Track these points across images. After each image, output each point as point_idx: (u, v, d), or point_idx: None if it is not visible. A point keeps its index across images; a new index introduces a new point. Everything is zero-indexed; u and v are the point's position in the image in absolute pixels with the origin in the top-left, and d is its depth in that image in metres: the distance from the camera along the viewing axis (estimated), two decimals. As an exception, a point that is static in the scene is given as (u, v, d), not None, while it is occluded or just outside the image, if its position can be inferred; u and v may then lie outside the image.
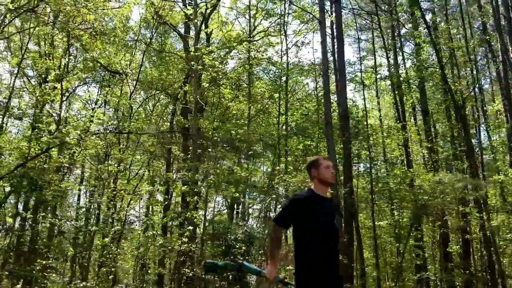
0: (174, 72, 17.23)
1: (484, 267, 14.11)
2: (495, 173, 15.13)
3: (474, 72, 18.18)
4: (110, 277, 11.94)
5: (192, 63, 12.64)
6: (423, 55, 14.62)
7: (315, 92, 18.38)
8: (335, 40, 14.41)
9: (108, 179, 13.50)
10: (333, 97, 14.53)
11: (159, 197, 14.18)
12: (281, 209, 3.79)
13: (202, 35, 16.52)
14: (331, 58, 15.45)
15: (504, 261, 14.65)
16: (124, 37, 16.47)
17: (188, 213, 10.13)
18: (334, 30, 14.35)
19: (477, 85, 16.95)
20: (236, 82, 17.15)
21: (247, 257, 10.59)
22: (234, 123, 16.15)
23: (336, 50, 12.27)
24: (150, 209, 18.24)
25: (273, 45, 16.90)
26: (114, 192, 12.79)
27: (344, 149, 11.78)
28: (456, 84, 13.32)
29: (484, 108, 19.95)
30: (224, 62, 16.12)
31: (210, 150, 11.02)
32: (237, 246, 10.88)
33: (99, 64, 16.15)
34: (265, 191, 12.14)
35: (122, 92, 16.73)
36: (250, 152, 13.65)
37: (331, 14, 14.93)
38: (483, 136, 20.02)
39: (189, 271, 10.94)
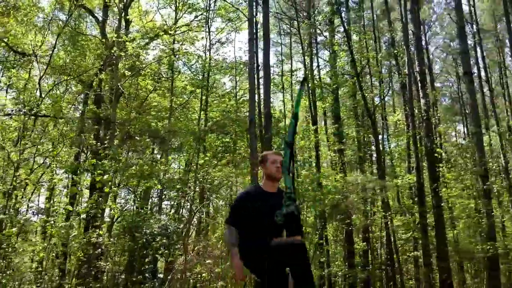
0: (90, 58, 16.35)
1: (385, 264, 15.15)
2: (393, 178, 16.47)
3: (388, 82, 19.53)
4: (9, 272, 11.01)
5: (114, 49, 12.13)
6: (339, 62, 15.45)
7: (235, 90, 18.55)
8: (259, 40, 14.67)
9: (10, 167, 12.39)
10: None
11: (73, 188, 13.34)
12: (229, 209, 3.89)
13: (122, 22, 15.90)
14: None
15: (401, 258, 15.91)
16: (33, 16, 15.30)
17: (100, 205, 9.73)
18: (259, 29, 14.63)
19: (386, 95, 18.26)
20: (157, 74, 16.74)
21: (165, 251, 10.40)
22: (154, 115, 15.75)
23: (263, 49, 12.46)
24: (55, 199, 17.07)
25: (197, 39, 16.79)
26: (18, 182, 11.79)
27: (265, 145, 11.99)
28: (369, 92, 14.30)
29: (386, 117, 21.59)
30: (145, 52, 15.64)
31: (137, 138, 10.62)
32: (154, 240, 10.64)
33: (4, 43, 14.85)
34: (179, 186, 11.97)
35: (31, 75, 15.49)
36: (170, 145, 13.40)
37: (256, 14, 15.17)
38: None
39: (99, 265, 10.51)
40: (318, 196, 14.24)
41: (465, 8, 19.52)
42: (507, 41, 20.22)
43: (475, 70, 19.44)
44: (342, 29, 15.59)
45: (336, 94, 17.76)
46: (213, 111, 16.99)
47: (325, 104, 18.17)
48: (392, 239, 14.12)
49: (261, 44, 13.95)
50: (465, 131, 23.45)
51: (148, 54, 16.64)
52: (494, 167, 16.42)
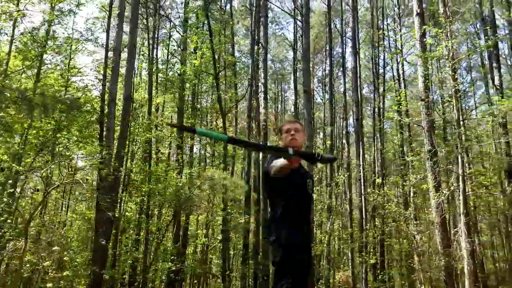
0: None
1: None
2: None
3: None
4: None
5: None
6: (204, 60, 15.49)
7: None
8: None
9: None
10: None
11: None
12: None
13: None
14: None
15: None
16: None
17: None
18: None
19: (241, 99, 18.97)
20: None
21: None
22: None
23: (129, 31, 11.85)
24: None
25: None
26: None
27: (121, 132, 11.32)
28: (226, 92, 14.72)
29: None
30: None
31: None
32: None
33: None
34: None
35: None
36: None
37: None
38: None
39: None
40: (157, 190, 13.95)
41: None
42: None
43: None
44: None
45: (181, 90, 17.75)
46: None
47: (175, 99, 17.97)
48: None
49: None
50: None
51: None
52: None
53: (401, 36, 24.50)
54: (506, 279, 18.66)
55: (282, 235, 3.02)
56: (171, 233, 15.22)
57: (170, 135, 18.53)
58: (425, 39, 12.55)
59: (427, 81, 12.32)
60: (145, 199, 14.91)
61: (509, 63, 25.14)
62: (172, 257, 13.08)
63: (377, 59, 22.42)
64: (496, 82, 16.12)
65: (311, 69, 23.36)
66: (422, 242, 14.25)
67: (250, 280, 16.59)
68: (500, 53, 18.77)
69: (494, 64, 16.27)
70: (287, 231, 3.02)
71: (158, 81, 18.96)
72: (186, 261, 15.19)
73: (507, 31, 18.09)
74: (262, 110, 16.77)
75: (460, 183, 11.11)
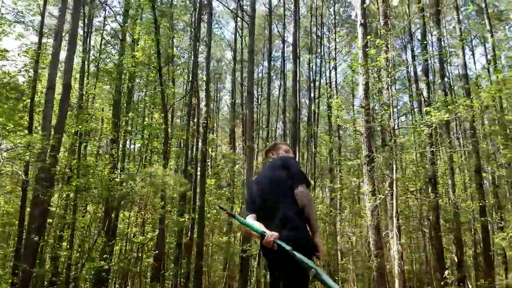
0: None
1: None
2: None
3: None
4: None
5: None
6: (147, 53, 14.96)
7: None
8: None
9: None
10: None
11: None
12: (302, 173, 3.28)
13: None
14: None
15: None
16: None
17: None
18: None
19: (185, 95, 18.55)
20: None
21: None
22: None
23: (71, 16, 11.14)
24: None
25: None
26: None
27: (59, 122, 10.61)
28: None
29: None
30: None
31: None
32: None
33: None
34: None
35: None
36: None
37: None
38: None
39: None
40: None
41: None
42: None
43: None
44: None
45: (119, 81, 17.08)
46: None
47: (112, 91, 17.23)
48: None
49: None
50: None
51: None
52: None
53: (335, 45, 25.51)
54: (422, 280, 20.03)
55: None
56: (102, 231, 14.52)
57: (101, 129, 17.75)
58: (367, 49, 13.07)
59: (368, 89, 12.85)
60: (71, 194, 14.16)
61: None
62: (104, 255, 12.47)
63: (312, 65, 23.08)
64: (425, 94, 17.24)
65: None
66: (353, 243, 14.86)
67: (181, 279, 16.33)
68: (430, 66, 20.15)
69: (424, 78, 17.39)
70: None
71: (91, 71, 18.09)
72: (113, 260, 14.58)
73: (436, 48, 19.40)
74: (203, 108, 16.57)
75: (394, 188, 11.69)
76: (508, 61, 22.23)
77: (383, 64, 12.18)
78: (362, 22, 13.52)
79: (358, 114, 20.95)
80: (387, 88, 12.65)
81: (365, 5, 13.79)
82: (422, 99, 17.27)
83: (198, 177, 16.69)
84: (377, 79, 13.02)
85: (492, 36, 19.76)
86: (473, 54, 28.04)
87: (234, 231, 19.07)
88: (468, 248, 19.48)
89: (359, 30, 13.57)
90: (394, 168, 11.69)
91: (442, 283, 13.52)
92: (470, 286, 16.46)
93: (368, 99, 12.82)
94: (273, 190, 3.16)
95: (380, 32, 12.82)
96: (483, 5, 20.05)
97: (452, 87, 23.72)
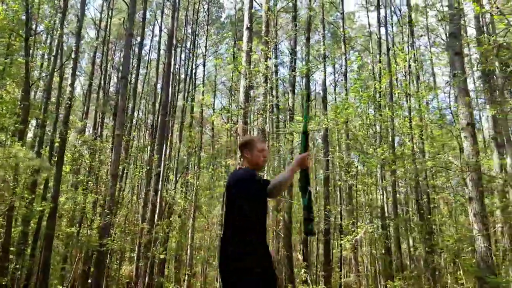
0: None
1: None
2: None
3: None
4: None
5: None
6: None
7: None
8: None
9: None
10: None
11: None
12: (258, 180, 3.07)
13: None
14: None
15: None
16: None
17: None
18: None
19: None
20: None
21: None
22: None
23: None
24: None
25: None
26: None
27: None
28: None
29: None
30: None
31: None
32: None
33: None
34: None
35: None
36: None
37: None
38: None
39: None
40: None
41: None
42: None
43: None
44: None
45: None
46: None
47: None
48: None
49: None
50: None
51: None
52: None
53: (206, 42, 25.75)
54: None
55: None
56: None
57: None
58: (251, 53, 13.44)
59: (249, 92, 13.21)
60: None
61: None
62: None
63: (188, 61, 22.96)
64: (290, 104, 18.47)
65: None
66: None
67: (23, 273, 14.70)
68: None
69: (291, 89, 18.63)
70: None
71: None
72: None
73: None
74: (68, 87, 15.11)
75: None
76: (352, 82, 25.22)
77: (264, 70, 12.76)
78: (249, 26, 13.84)
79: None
80: (264, 93, 13.22)
81: (252, 10, 14.16)
82: (288, 109, 18.48)
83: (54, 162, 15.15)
84: (258, 84, 13.48)
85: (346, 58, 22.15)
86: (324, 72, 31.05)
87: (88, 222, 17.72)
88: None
89: (245, 34, 13.86)
90: (266, 169, 12.31)
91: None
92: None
93: (247, 102, 13.19)
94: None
95: (264, 39, 13.35)
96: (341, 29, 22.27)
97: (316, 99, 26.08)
